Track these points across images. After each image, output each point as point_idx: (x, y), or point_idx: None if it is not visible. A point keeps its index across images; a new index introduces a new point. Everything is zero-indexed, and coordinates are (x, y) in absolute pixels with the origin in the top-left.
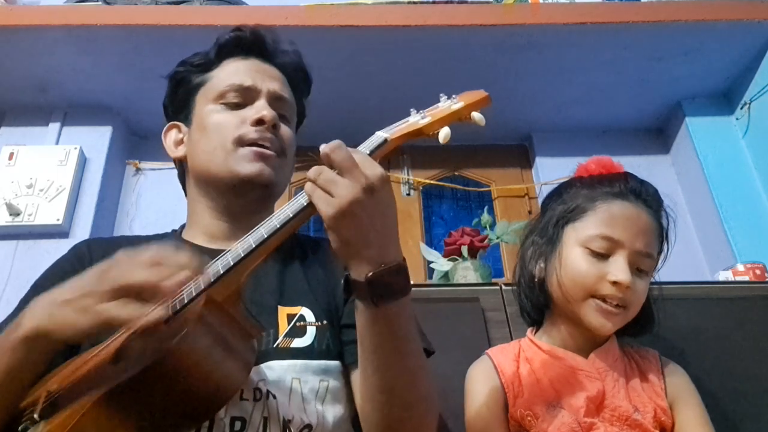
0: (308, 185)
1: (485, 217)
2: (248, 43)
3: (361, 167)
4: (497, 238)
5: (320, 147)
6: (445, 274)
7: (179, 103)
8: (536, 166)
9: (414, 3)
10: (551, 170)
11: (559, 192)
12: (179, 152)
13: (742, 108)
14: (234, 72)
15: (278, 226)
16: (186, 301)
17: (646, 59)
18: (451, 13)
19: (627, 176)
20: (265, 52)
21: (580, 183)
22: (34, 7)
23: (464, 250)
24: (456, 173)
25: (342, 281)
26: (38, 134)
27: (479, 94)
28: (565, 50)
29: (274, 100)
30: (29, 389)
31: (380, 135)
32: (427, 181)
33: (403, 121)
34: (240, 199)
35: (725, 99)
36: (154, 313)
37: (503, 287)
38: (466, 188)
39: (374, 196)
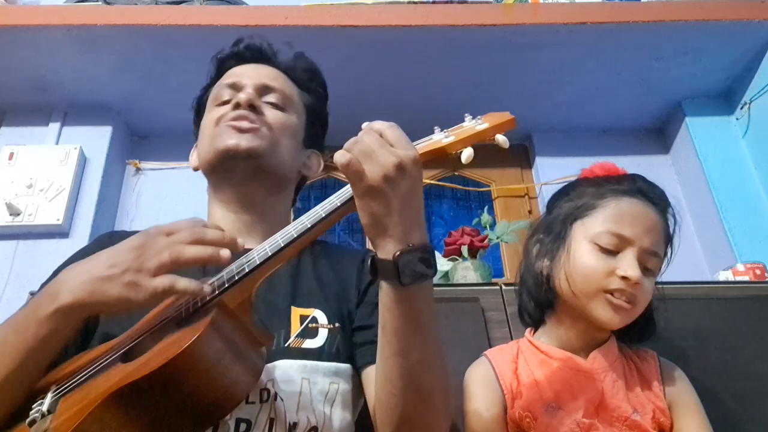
0: (340, 154)
1: (485, 217)
2: (242, 53)
3: (396, 146)
4: (497, 238)
5: (363, 124)
6: (445, 274)
7: (199, 125)
8: (536, 166)
9: (414, 3)
10: (551, 170)
11: (565, 191)
12: (194, 162)
13: (742, 108)
14: (226, 77)
15: (295, 235)
16: (199, 305)
17: (646, 59)
18: (451, 13)
19: (635, 176)
20: (259, 57)
21: (586, 182)
22: (34, 7)
23: (464, 250)
24: (456, 173)
25: (368, 262)
26: (38, 134)
27: (504, 116)
28: (565, 50)
29: (260, 89)
30: (50, 365)
31: None
32: (427, 180)
33: (426, 138)
34: (233, 177)
35: (725, 99)
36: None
37: (503, 287)
38: (466, 188)
39: (405, 175)
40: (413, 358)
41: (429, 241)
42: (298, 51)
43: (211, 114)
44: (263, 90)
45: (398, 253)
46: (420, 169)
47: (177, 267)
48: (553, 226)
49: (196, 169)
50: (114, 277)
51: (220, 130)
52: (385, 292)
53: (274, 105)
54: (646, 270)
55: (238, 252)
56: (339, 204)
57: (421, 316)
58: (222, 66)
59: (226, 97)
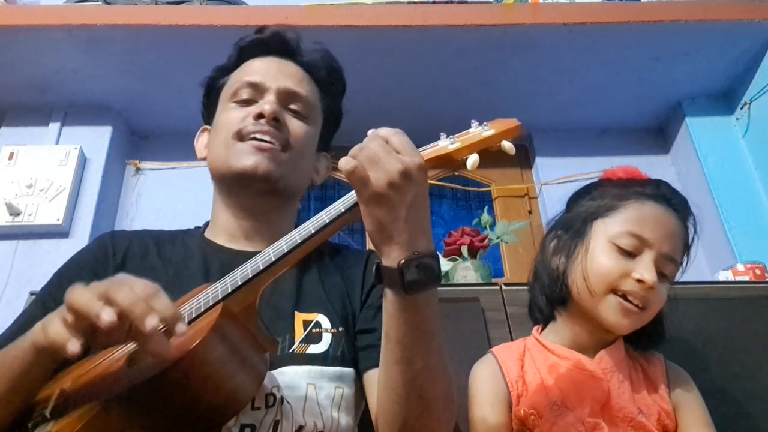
0: (346, 161)
1: (485, 217)
2: (267, 42)
3: (402, 152)
4: (497, 238)
5: (369, 131)
6: (445, 274)
7: (210, 108)
8: (536, 166)
9: (414, 3)
10: (551, 170)
11: (587, 190)
12: (203, 153)
13: (742, 108)
14: (248, 70)
15: (299, 241)
16: (202, 310)
17: (646, 59)
18: (451, 13)
19: (659, 182)
20: (285, 50)
21: (609, 183)
22: (34, 7)
23: (464, 250)
24: (456, 173)
25: (373, 269)
26: (38, 134)
27: (511, 122)
28: (565, 50)
29: (284, 95)
30: (43, 385)
31: None
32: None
33: (432, 144)
34: (245, 193)
35: (725, 99)
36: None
37: (503, 287)
38: (466, 188)
39: (411, 182)
40: (417, 367)
41: (435, 249)
42: (323, 47)
43: (229, 114)
44: (287, 97)
45: (403, 260)
46: (426, 176)
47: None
48: (573, 224)
49: (202, 159)
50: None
51: (240, 148)
52: (389, 299)
53: (295, 113)
54: (662, 275)
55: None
56: (344, 210)
57: (425, 324)
58: (243, 53)
59: (245, 97)
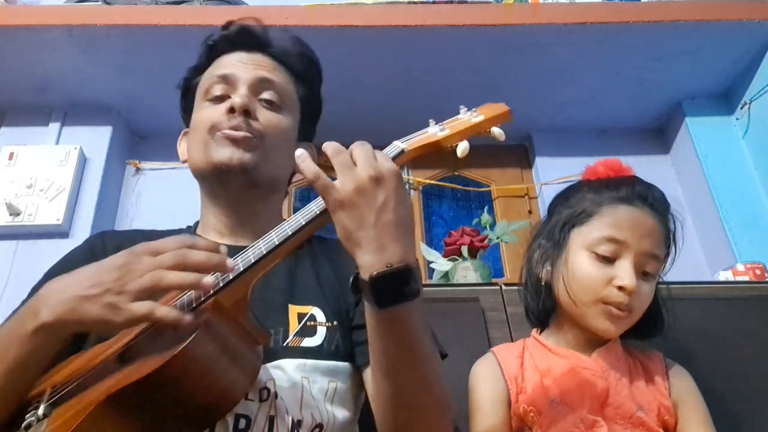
0: (311, 171)
1: (485, 217)
2: (235, 38)
3: (378, 159)
4: (497, 238)
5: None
6: (445, 274)
7: (188, 110)
8: (536, 166)
9: (414, 3)
10: (551, 170)
11: (565, 195)
12: (185, 156)
13: (742, 108)
14: (218, 66)
15: (290, 233)
16: (194, 305)
17: (646, 59)
18: (451, 13)
19: (634, 180)
20: (254, 44)
21: (587, 187)
22: (34, 7)
23: (464, 250)
24: (456, 173)
25: (351, 280)
26: (38, 134)
27: (500, 107)
28: (565, 50)
29: (256, 85)
30: (37, 379)
31: (397, 145)
32: (427, 180)
33: (421, 131)
34: (227, 188)
35: (725, 99)
36: (174, 313)
37: (503, 287)
38: (466, 188)
39: (381, 187)
40: (404, 378)
41: (415, 260)
42: (292, 35)
43: (203, 113)
44: (259, 86)
45: (375, 273)
46: (400, 182)
47: (157, 292)
48: (553, 233)
49: (186, 162)
50: (94, 297)
51: (214, 141)
52: (368, 312)
53: (269, 104)
54: (645, 274)
55: (226, 273)
56: None
57: (407, 337)
58: (212, 51)
59: (218, 92)
